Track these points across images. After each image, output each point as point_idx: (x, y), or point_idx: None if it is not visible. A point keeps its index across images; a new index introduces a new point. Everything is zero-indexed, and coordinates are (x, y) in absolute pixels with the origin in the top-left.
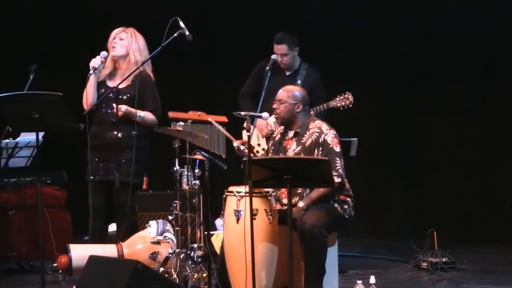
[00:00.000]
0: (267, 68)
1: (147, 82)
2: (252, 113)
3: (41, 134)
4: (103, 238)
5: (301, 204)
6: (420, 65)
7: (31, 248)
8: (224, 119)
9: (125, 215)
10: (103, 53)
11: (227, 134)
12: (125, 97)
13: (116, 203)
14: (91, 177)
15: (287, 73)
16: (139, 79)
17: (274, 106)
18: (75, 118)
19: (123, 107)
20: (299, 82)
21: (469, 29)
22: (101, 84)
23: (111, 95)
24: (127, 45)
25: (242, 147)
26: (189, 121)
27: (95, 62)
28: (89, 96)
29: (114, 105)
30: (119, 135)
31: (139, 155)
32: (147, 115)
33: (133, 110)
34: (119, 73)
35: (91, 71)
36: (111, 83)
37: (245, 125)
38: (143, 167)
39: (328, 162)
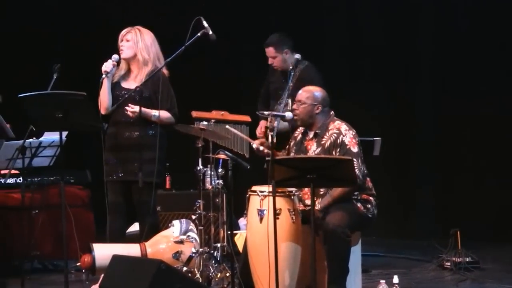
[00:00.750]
0: (291, 67)
1: (162, 81)
2: (275, 113)
3: (64, 133)
4: (122, 237)
5: (317, 206)
6: (446, 64)
7: (54, 247)
8: (247, 118)
9: (147, 215)
10: (115, 56)
11: (245, 136)
12: (137, 98)
13: (138, 203)
14: (110, 178)
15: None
16: (152, 79)
17: (294, 106)
18: (98, 118)
19: (136, 108)
20: (290, 83)
21: (495, 25)
22: (115, 86)
23: (127, 96)
24: (133, 46)
25: (261, 148)
26: (213, 120)
27: (107, 66)
28: (104, 100)
29: (130, 105)
30: (136, 135)
31: (159, 154)
32: (163, 114)
33: (148, 110)
34: (133, 73)
35: (103, 75)
36: (125, 84)
37: (268, 124)
38: (163, 166)
39: (351, 161)
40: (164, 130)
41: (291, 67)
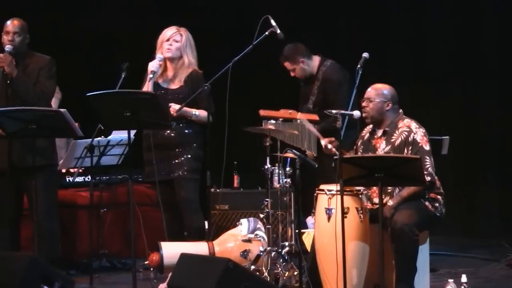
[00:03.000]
0: (358, 66)
1: (199, 81)
2: (343, 111)
3: (132, 132)
4: (180, 235)
5: (390, 202)
6: None
7: (122, 245)
8: (315, 117)
9: (190, 214)
10: (160, 56)
11: (316, 132)
12: (180, 97)
13: (180, 202)
14: (151, 178)
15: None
16: (191, 79)
17: (363, 104)
18: (166, 116)
19: (178, 106)
20: (315, 89)
21: None
22: (154, 86)
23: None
24: (181, 48)
25: (329, 146)
26: (280, 119)
27: (154, 66)
28: None
29: (171, 104)
30: (174, 133)
31: (197, 151)
32: (201, 113)
33: (189, 109)
34: (170, 73)
35: (150, 75)
36: (164, 84)
37: (337, 124)
38: (202, 163)
39: (420, 160)
40: (201, 128)
41: (315, 71)
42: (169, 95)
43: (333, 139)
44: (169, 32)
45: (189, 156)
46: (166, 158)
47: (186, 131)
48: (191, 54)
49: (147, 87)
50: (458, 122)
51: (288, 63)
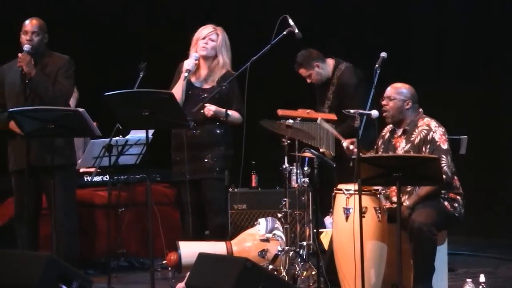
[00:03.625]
0: (377, 66)
1: (232, 82)
2: (361, 111)
3: (150, 131)
4: (202, 235)
5: (407, 202)
6: None
7: (140, 245)
8: (333, 117)
9: (216, 213)
10: (195, 54)
11: (336, 133)
12: (217, 97)
13: (207, 201)
14: (180, 178)
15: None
16: (225, 80)
17: (383, 102)
18: (184, 116)
19: (213, 107)
20: (330, 93)
21: None
22: (187, 84)
23: (205, 94)
24: (216, 47)
25: (351, 147)
26: (298, 119)
27: (190, 64)
28: (178, 97)
29: (206, 105)
30: (204, 133)
31: (227, 151)
32: (233, 114)
33: (221, 109)
34: (203, 72)
35: (185, 74)
36: (197, 83)
37: (355, 123)
38: (231, 163)
39: (438, 160)
40: (231, 128)
41: (330, 74)
42: (202, 94)
43: (354, 140)
44: (205, 30)
45: (219, 156)
46: (196, 158)
47: (218, 131)
48: (226, 55)
49: (181, 85)
50: (476, 121)
51: (303, 70)
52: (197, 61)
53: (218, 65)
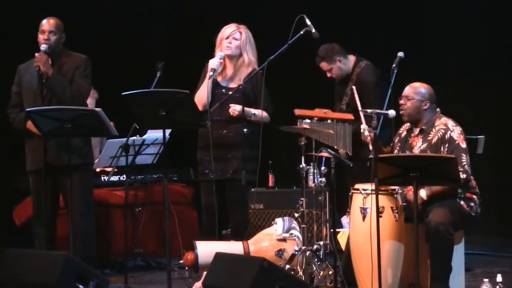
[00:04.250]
0: (394, 65)
1: (258, 81)
2: (378, 111)
3: (167, 131)
4: (216, 235)
5: (423, 193)
6: None
7: (157, 244)
8: (350, 116)
9: (239, 214)
10: (221, 53)
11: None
12: (238, 96)
13: (231, 202)
14: (205, 177)
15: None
16: (252, 78)
17: (401, 102)
18: (201, 115)
19: (238, 107)
20: (348, 89)
21: None
22: (213, 84)
23: (229, 93)
24: (241, 46)
25: (367, 133)
26: (315, 118)
27: (214, 63)
28: (204, 96)
29: (231, 105)
30: (230, 133)
31: (254, 151)
32: (260, 113)
33: (248, 109)
34: (229, 72)
35: (210, 73)
36: (223, 82)
37: (372, 123)
38: (257, 163)
39: (455, 160)
40: (258, 128)
41: (350, 70)
42: (228, 93)
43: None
44: (228, 29)
45: (245, 156)
46: (222, 157)
47: (245, 130)
48: (251, 53)
49: (207, 84)
50: (493, 121)
51: (325, 63)
52: (222, 60)
53: (243, 63)
